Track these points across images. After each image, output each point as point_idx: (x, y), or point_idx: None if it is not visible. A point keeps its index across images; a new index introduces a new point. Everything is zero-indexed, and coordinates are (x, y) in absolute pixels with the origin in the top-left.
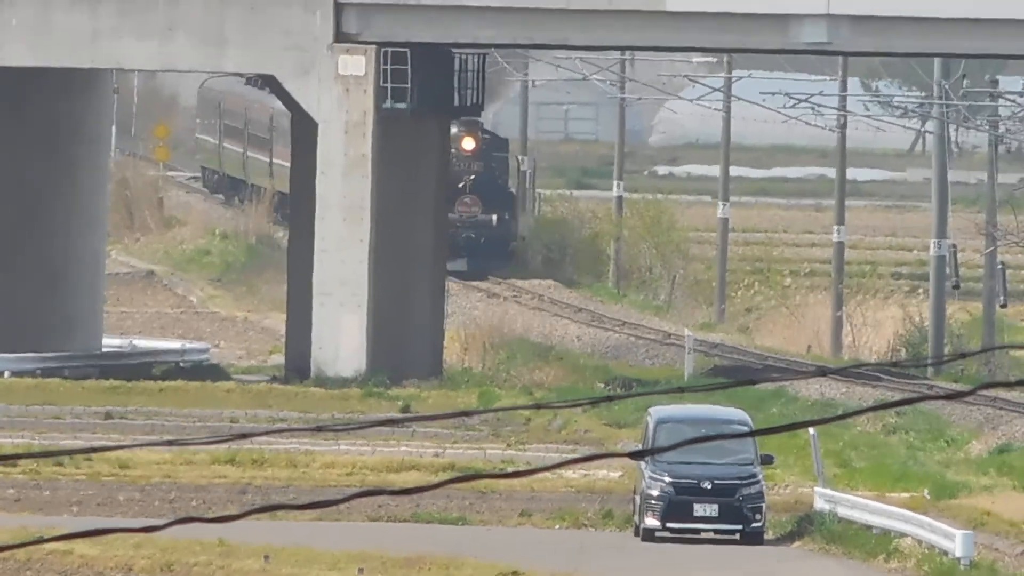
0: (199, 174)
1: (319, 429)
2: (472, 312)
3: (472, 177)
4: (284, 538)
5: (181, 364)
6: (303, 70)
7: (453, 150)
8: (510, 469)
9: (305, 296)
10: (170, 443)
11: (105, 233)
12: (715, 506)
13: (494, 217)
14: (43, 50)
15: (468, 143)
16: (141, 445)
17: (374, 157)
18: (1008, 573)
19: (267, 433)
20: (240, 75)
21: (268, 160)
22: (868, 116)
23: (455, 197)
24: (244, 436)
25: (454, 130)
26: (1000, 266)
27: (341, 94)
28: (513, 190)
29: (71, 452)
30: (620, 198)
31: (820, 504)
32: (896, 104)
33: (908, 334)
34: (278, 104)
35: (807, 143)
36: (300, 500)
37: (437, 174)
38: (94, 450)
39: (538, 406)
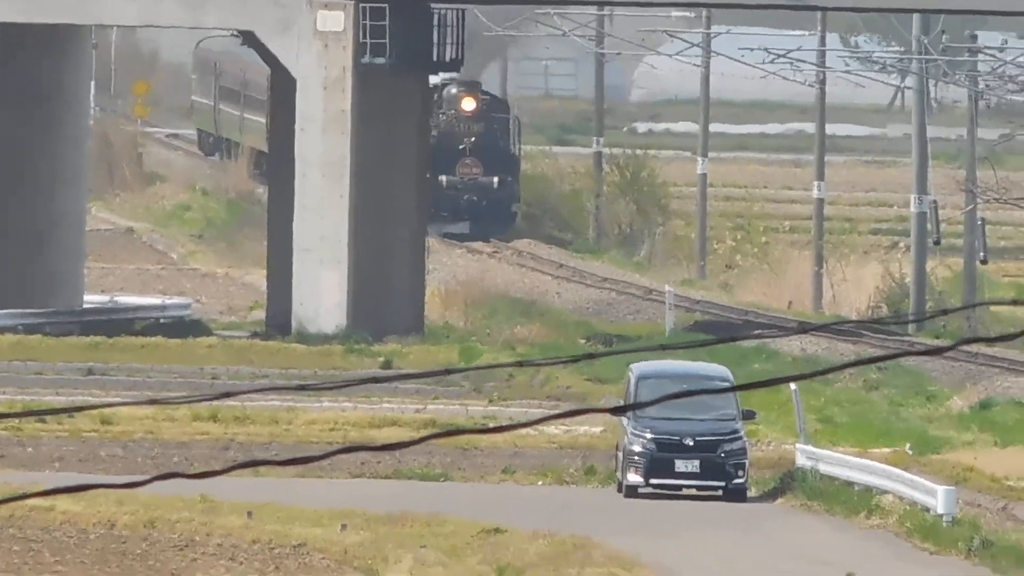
0: (177, 131)
1: (302, 388)
2: (453, 268)
3: (472, 139)
4: (267, 495)
5: (162, 320)
6: (282, 26)
7: (452, 111)
8: (492, 425)
9: (286, 252)
10: (152, 402)
11: (86, 190)
12: (697, 462)
13: (495, 180)
14: (23, 5)
15: (468, 104)
16: (123, 404)
17: (353, 113)
18: (990, 529)
19: (250, 392)
20: (231, 33)
21: (266, 123)
22: (847, 72)
23: (456, 159)
24: (228, 395)
25: (453, 91)
26: (980, 222)
27: (320, 50)
28: (515, 152)
29: (52, 411)
30: (600, 154)
31: (802, 461)
32: (875, 60)
33: (889, 290)
34: None
35: (786, 99)
36: (282, 457)
37: (417, 130)
38: (76, 409)
39: (519, 363)
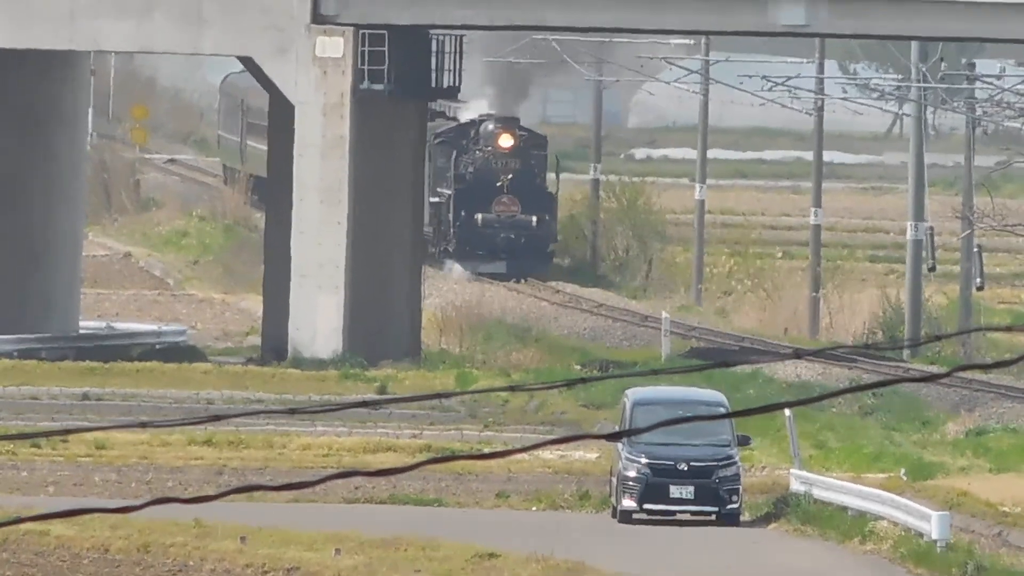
0: (175, 157)
1: (294, 412)
2: (449, 294)
3: (510, 176)
4: (261, 519)
5: (158, 346)
6: (281, 52)
7: (490, 147)
8: (487, 451)
9: (282, 278)
10: (143, 425)
11: (83, 215)
12: (691, 488)
13: (534, 218)
14: (21, 31)
15: (506, 140)
16: (115, 427)
17: (351, 139)
18: (984, 555)
19: (242, 415)
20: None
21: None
22: (845, 99)
23: (492, 196)
24: (218, 418)
25: (491, 127)
26: (977, 249)
27: (319, 76)
28: (552, 190)
29: (45, 434)
30: (597, 180)
31: (796, 486)
32: (873, 87)
33: (885, 316)
34: None
35: (784, 126)
36: (277, 481)
37: (414, 156)
38: (68, 432)
39: (513, 388)
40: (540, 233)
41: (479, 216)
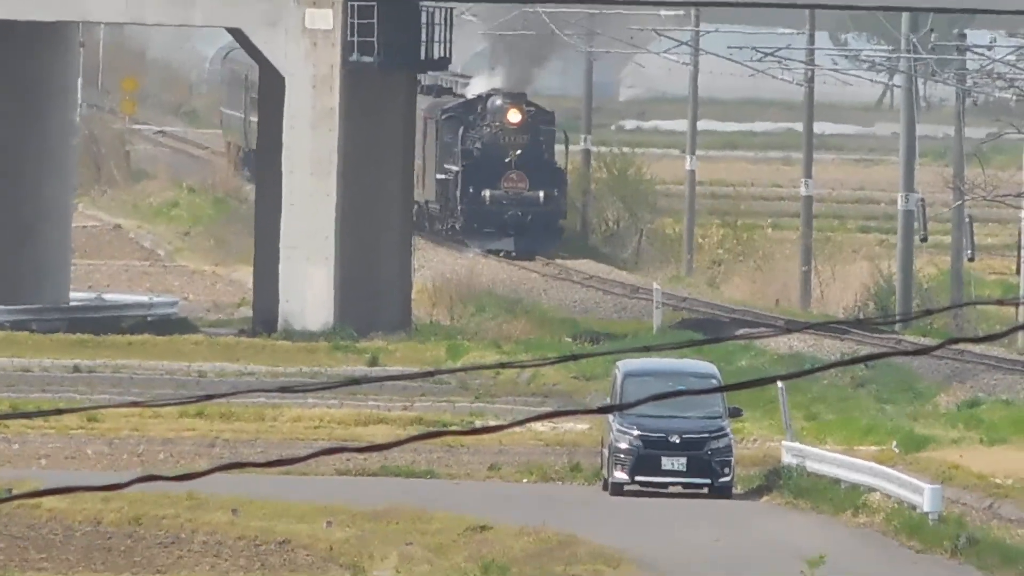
0: (164, 128)
1: (284, 390)
2: (440, 266)
3: (518, 152)
4: (253, 491)
5: (149, 318)
6: (270, 23)
7: (497, 123)
8: (478, 422)
9: (272, 250)
10: (135, 404)
11: (73, 186)
12: (683, 460)
13: (542, 194)
14: (10, 2)
15: (514, 115)
16: (106, 407)
17: (341, 111)
18: (976, 527)
19: (232, 395)
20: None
21: None
22: (836, 70)
23: (500, 173)
24: (210, 397)
25: (498, 102)
26: (968, 220)
27: (308, 48)
28: (561, 165)
29: (34, 414)
30: (588, 152)
31: (788, 458)
32: (864, 58)
33: (876, 287)
34: None
35: (775, 97)
36: (268, 453)
37: (404, 128)
38: (59, 412)
39: (502, 365)
40: (549, 209)
41: (487, 193)
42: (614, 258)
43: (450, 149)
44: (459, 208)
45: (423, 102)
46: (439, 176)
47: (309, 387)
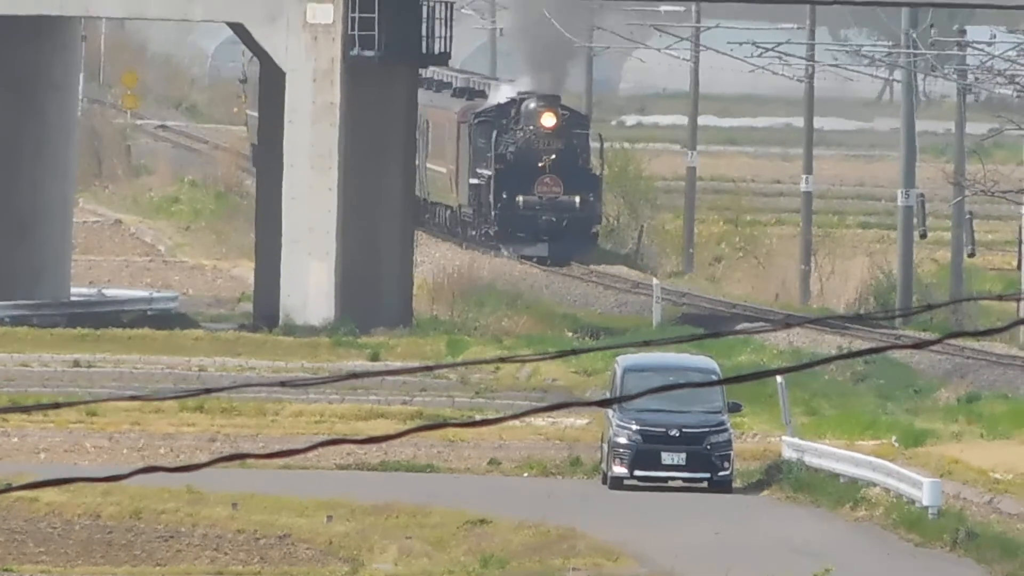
0: (166, 123)
1: (284, 384)
2: (441, 261)
3: (552, 156)
4: (253, 485)
5: (149, 312)
6: (271, 18)
7: (531, 127)
8: (478, 418)
9: (274, 245)
10: (134, 398)
11: (74, 181)
12: (683, 454)
13: (577, 199)
14: None
15: (548, 119)
16: (105, 400)
17: (342, 105)
18: (975, 521)
19: (232, 388)
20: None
21: None
22: (836, 65)
23: (534, 177)
24: (208, 391)
25: (532, 105)
26: (968, 215)
27: (309, 42)
28: (596, 171)
29: (33, 408)
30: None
31: (788, 453)
32: (864, 53)
33: (876, 283)
34: None
35: (775, 93)
36: (269, 448)
37: (406, 122)
38: (58, 405)
39: (501, 359)
40: (583, 215)
41: (520, 198)
42: (614, 253)
43: (483, 153)
44: (493, 213)
45: (455, 105)
46: (472, 181)
47: (309, 382)
